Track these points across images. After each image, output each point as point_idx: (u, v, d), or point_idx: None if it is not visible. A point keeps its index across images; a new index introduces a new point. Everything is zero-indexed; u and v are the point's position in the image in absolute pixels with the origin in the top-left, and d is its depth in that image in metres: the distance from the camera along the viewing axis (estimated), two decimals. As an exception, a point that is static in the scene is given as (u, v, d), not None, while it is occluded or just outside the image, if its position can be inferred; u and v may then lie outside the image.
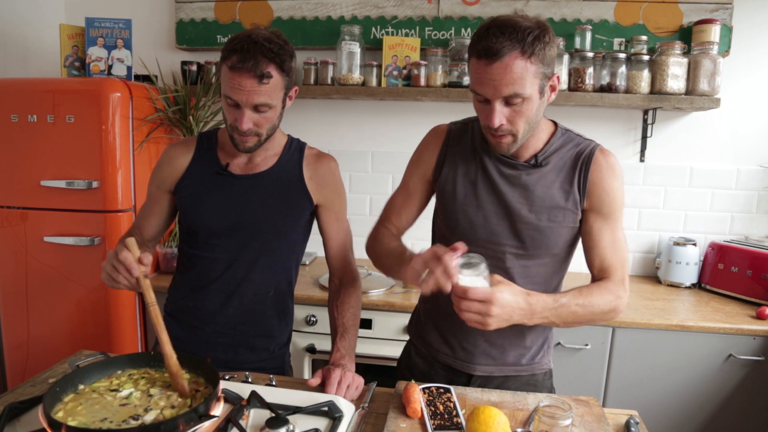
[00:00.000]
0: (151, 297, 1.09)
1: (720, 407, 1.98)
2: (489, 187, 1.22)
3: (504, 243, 1.22)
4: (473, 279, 1.02)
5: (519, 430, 1.06)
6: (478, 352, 1.28)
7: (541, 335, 1.32)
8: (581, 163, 1.19)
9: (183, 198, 1.37)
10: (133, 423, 0.94)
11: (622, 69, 2.22)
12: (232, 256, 1.36)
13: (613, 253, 1.19)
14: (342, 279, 1.44)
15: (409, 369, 1.38)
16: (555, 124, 1.25)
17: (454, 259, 1.00)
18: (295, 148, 1.42)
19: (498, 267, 1.21)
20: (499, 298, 1.01)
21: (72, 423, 0.93)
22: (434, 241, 1.36)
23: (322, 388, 1.18)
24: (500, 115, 1.08)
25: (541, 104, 1.11)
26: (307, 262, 2.51)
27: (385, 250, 1.30)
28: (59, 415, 0.96)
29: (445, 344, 1.32)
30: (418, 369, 1.36)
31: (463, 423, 1.06)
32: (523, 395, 1.20)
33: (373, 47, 2.46)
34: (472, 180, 1.24)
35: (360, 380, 1.22)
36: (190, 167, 1.38)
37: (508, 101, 1.07)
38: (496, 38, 1.02)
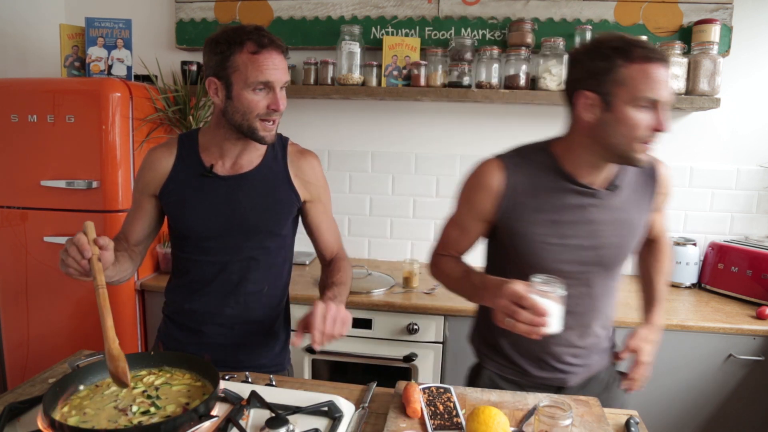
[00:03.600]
0: (101, 280, 1.04)
1: (720, 407, 1.98)
2: (574, 221, 1.21)
3: (590, 270, 1.25)
4: (544, 300, 1.02)
5: (512, 429, 1.06)
6: (570, 368, 1.30)
7: (607, 315, 1.36)
8: (648, 179, 1.29)
9: (170, 203, 1.35)
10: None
11: (622, 69, 2.21)
12: (226, 257, 1.35)
13: (662, 226, 1.46)
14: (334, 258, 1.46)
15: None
16: None
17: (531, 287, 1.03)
18: (278, 145, 1.40)
19: (583, 290, 1.25)
20: (650, 346, 1.29)
21: (71, 422, 0.94)
22: (491, 268, 1.34)
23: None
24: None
25: None
26: (307, 262, 2.50)
27: (453, 278, 1.30)
28: (64, 410, 0.97)
29: (539, 368, 1.31)
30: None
31: (463, 423, 1.06)
32: (523, 395, 1.20)
33: (373, 47, 2.46)
34: (551, 217, 1.20)
35: (348, 316, 1.16)
36: (173, 171, 1.35)
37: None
38: (651, 45, 1.09)
